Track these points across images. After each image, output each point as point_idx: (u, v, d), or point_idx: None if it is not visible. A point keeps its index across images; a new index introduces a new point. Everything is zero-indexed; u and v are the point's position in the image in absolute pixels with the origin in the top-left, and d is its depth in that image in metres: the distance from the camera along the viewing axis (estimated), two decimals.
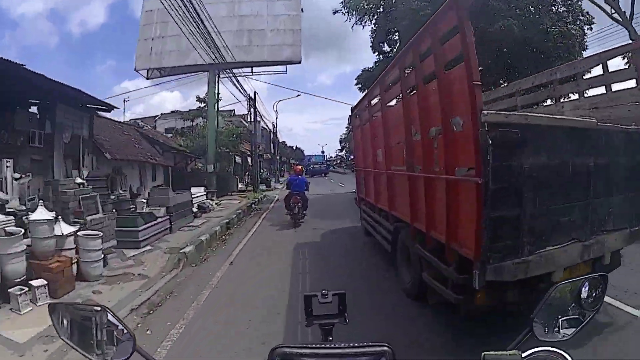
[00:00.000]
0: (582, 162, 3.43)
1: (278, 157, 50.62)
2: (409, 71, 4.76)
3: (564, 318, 1.09)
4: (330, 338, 1.24)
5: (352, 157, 60.70)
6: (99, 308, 1.09)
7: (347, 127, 64.88)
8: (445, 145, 3.57)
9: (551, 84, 5.66)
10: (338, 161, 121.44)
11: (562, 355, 0.97)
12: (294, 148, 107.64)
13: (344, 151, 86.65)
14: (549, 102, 6.09)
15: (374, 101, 6.79)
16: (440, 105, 3.60)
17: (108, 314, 1.08)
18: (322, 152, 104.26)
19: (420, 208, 4.36)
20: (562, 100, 5.63)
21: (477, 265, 3.02)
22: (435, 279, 3.95)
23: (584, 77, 5.35)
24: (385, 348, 0.88)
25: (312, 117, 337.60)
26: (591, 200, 3.50)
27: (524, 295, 3.34)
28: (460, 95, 3.20)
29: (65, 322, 1.11)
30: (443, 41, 3.57)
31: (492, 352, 0.89)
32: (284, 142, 63.12)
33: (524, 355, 0.93)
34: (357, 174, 9.19)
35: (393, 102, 5.93)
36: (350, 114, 9.62)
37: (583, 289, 1.12)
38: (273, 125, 42.57)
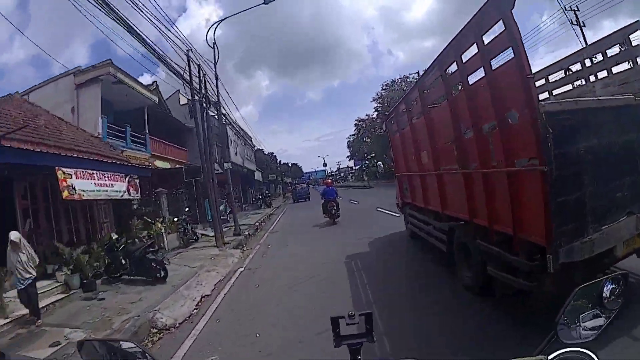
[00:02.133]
0: (626, 137, 3.70)
1: (258, 173, 44.80)
2: (451, 71, 5.08)
3: (588, 319, 1.14)
4: (359, 357, 1.30)
5: (363, 164, 63.32)
6: (126, 342, 1.17)
7: (354, 131, 67.08)
8: (502, 139, 3.88)
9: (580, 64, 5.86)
10: (342, 175, 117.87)
11: (588, 354, 1.02)
12: (290, 165, 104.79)
13: (352, 160, 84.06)
14: (578, 83, 6.20)
15: (413, 104, 7.12)
16: (492, 101, 3.91)
17: (136, 347, 1.15)
18: (324, 164, 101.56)
19: (479, 204, 4.64)
20: (591, 79, 5.81)
21: (550, 249, 3.30)
22: (502, 270, 4.21)
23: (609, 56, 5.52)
24: None
25: (306, 134, 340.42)
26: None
27: (589, 275, 3.59)
28: (515, 89, 3.51)
29: (95, 357, 1.17)
30: (488, 39, 3.91)
31: (518, 359, 0.95)
32: (276, 158, 64.33)
33: (549, 358, 0.99)
34: (399, 179, 9.49)
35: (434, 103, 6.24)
36: (385, 120, 10.02)
37: (605, 288, 1.16)
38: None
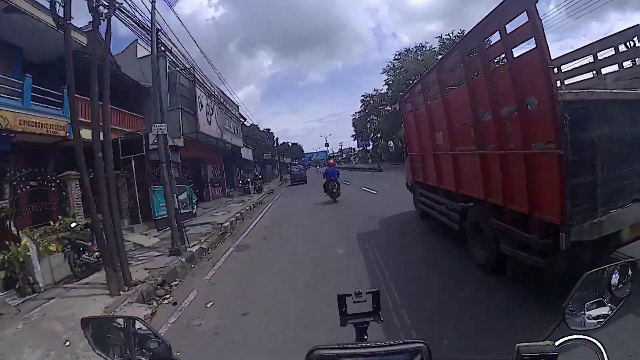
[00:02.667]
0: (636, 129, 4.02)
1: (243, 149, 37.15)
2: (471, 56, 5.35)
3: (595, 306, 1.15)
4: (366, 337, 1.30)
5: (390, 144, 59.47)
6: (132, 320, 1.16)
7: (360, 107, 62.92)
8: (520, 124, 4.19)
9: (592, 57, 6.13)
10: (344, 156, 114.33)
11: (594, 343, 1.04)
12: (290, 145, 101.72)
13: (356, 140, 79.26)
14: (589, 75, 6.46)
15: (431, 86, 7.39)
16: (512, 87, 4.20)
17: (142, 325, 1.15)
18: (327, 145, 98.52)
19: (495, 184, 4.98)
20: (602, 72, 6.08)
21: (563, 228, 3.66)
22: (515, 248, 4.57)
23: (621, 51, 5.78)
24: (421, 345, 0.94)
25: (309, 115, 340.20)
26: None
27: (596, 256, 3.98)
28: (535, 77, 3.81)
29: (99, 335, 1.18)
30: (511, 28, 4.18)
31: (525, 344, 0.96)
32: (273, 135, 56.58)
33: (557, 344, 0.99)
34: (411, 159, 9.81)
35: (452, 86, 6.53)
36: (400, 99, 10.29)
37: (613, 276, 1.17)
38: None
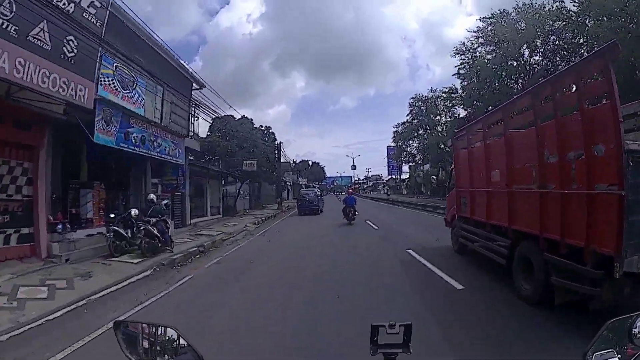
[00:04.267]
0: None
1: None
2: (544, 102, 6.27)
3: (617, 354, 1.21)
4: None
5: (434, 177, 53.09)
6: (168, 328, 1.20)
7: (407, 116, 54.24)
8: (587, 167, 5.04)
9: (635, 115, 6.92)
10: (371, 184, 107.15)
11: None
12: (310, 164, 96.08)
13: (388, 167, 75.93)
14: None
15: (492, 126, 8.32)
16: (582, 133, 5.08)
17: (176, 333, 1.18)
18: (354, 167, 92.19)
19: (553, 220, 5.79)
20: None
21: (617, 259, 4.47)
22: (567, 279, 5.35)
23: None
24: None
25: (336, 140, 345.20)
26: None
27: (635, 291, 4.76)
28: (606, 128, 4.70)
29: (131, 339, 1.22)
30: (588, 82, 5.11)
31: None
32: (273, 135, 37.89)
33: None
34: (458, 194, 10.65)
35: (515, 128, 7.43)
36: (453, 137, 11.29)
37: (636, 323, 1.24)
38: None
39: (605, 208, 4.75)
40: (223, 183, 31.79)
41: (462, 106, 36.16)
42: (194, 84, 20.67)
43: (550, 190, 5.91)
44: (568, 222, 5.47)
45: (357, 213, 21.82)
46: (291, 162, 65.34)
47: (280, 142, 39.42)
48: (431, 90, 50.33)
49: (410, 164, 59.85)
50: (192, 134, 20.90)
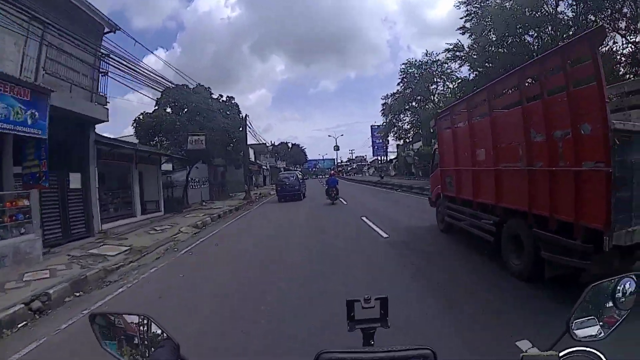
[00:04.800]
0: None
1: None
2: (529, 83, 6.54)
3: (600, 318, 1.23)
4: (372, 342, 1.38)
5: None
6: (142, 317, 1.21)
7: (398, 85, 46.51)
8: (573, 145, 5.33)
9: (620, 95, 7.34)
10: (355, 166, 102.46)
11: (598, 355, 1.13)
12: (290, 146, 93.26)
13: (373, 147, 69.83)
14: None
15: (477, 106, 8.59)
16: (569, 113, 5.36)
17: (152, 322, 1.20)
18: (337, 148, 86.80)
19: (541, 197, 6.10)
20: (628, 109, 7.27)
21: (607, 233, 4.78)
22: (557, 254, 5.67)
23: None
24: (428, 351, 1.02)
25: (317, 124, 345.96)
26: None
27: (623, 264, 5.12)
28: (592, 108, 4.97)
29: (107, 331, 1.22)
30: (574, 64, 5.37)
31: (529, 354, 1.05)
32: (237, 107, 30.63)
33: (561, 354, 1.08)
34: (443, 174, 10.97)
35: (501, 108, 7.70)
36: (436, 117, 11.59)
37: (618, 287, 1.25)
38: None
39: (594, 185, 5.05)
40: (173, 169, 28.08)
41: (469, 67, 29.47)
42: (105, 28, 15.05)
43: (538, 168, 6.21)
44: (557, 198, 5.78)
45: (338, 193, 24.16)
46: (268, 144, 62.59)
47: (247, 115, 32.12)
48: (426, 53, 43.10)
49: (400, 141, 53.41)
50: (101, 95, 14.72)
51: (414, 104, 45.54)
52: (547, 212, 5.95)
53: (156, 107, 25.04)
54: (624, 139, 4.87)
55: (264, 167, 62.10)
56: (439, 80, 43.40)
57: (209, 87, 28.42)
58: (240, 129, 30.72)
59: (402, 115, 47.70)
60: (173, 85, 23.45)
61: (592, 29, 4.99)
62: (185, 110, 25.49)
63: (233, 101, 31.28)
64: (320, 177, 61.41)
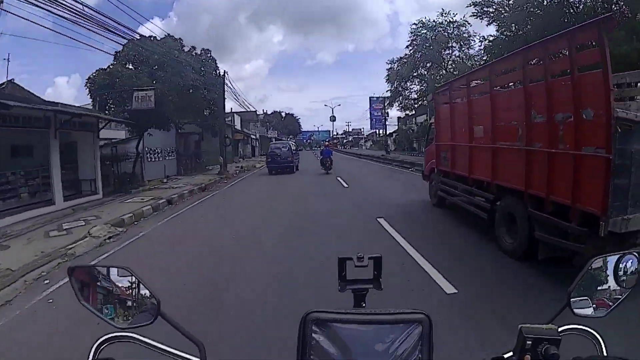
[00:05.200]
0: None
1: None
2: (533, 64, 6.58)
3: (600, 294, 1.21)
4: (364, 304, 1.33)
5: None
6: (123, 270, 1.18)
7: (407, 47, 40.80)
8: (574, 129, 5.44)
9: (620, 85, 7.42)
10: (350, 139, 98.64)
11: (595, 336, 1.15)
12: (283, 115, 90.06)
13: (371, 120, 65.62)
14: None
15: (478, 83, 8.64)
16: (572, 97, 5.44)
17: (132, 276, 1.17)
18: (333, 119, 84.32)
19: (539, 177, 6.25)
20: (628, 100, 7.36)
21: (603, 218, 4.96)
22: (553, 235, 5.86)
23: None
24: (422, 316, 1.00)
25: (314, 95, 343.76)
26: None
27: (615, 249, 5.31)
28: (596, 94, 5.06)
29: (85, 285, 1.20)
30: (579, 49, 5.42)
31: (529, 325, 1.03)
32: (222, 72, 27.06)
33: (560, 330, 1.07)
34: (438, 149, 11.09)
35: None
36: (434, 92, 11.62)
37: (620, 264, 1.22)
38: None
39: (593, 170, 5.18)
40: (127, 138, 23.44)
41: (497, 28, 24.78)
42: None
43: (537, 149, 6.32)
44: (554, 180, 5.92)
45: (332, 163, 25.71)
46: (260, 112, 60.19)
47: (226, 73, 27.31)
48: (442, 13, 37.82)
49: (405, 112, 48.62)
50: None
51: (423, 71, 40.94)
52: (544, 193, 6.10)
53: (114, 62, 20.72)
54: (625, 127, 4.99)
55: (252, 136, 59.09)
56: (454, 44, 38.93)
57: (180, 39, 23.99)
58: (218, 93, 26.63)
59: (409, 83, 43.12)
60: (137, 38, 20.16)
61: (602, 16, 5.01)
62: (151, 66, 21.18)
63: (209, 55, 26.14)
64: (315, 148, 57.05)
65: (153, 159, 24.06)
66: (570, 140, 5.56)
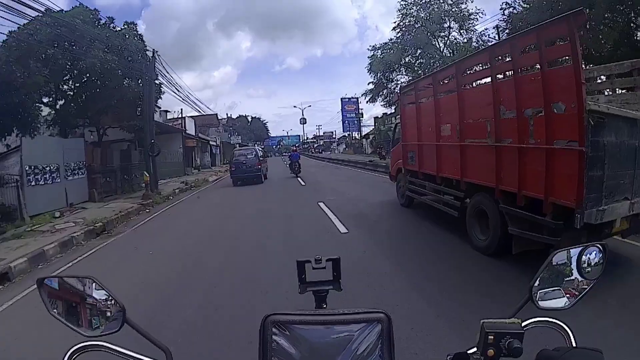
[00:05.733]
0: (631, 142, 5.53)
1: None
2: (500, 60, 6.67)
3: (564, 286, 1.22)
4: (324, 305, 1.36)
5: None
6: (87, 279, 1.21)
7: (367, 70, 38.09)
8: (545, 123, 5.52)
9: (589, 80, 7.69)
10: (321, 142, 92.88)
11: (561, 325, 1.16)
12: (249, 120, 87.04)
13: (344, 123, 62.24)
14: None
15: (444, 82, 8.72)
16: (543, 92, 5.51)
17: (96, 284, 1.20)
18: (303, 121, 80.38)
19: (510, 173, 6.31)
20: (596, 94, 7.64)
21: (579, 211, 5.03)
22: (527, 230, 5.93)
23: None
24: (381, 315, 1.01)
25: (282, 101, 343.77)
26: (636, 171, 5.62)
27: (590, 240, 5.44)
28: (567, 88, 5.13)
29: (53, 296, 1.22)
30: (549, 44, 5.51)
31: (491, 320, 1.04)
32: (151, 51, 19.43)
33: (523, 324, 1.08)
34: (405, 149, 11.14)
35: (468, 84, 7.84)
36: (400, 91, 11.67)
37: (583, 257, 1.23)
38: None
39: (567, 163, 5.26)
40: (8, 150, 15.77)
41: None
42: None
43: (507, 145, 6.40)
44: (526, 175, 5.99)
45: (301, 167, 26.78)
46: (222, 117, 56.49)
47: (156, 53, 20.72)
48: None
49: (390, 109, 41.94)
50: None
51: (410, 59, 35.70)
52: (516, 188, 6.16)
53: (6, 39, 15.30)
54: (597, 120, 5.08)
55: (212, 142, 53.22)
56: (453, 24, 33.80)
57: (95, 9, 18.67)
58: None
59: (395, 74, 37.21)
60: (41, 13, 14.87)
61: (572, 11, 5.10)
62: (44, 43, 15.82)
63: (135, 31, 20.58)
64: (285, 154, 49.67)
65: (42, 181, 14.88)
66: (541, 134, 5.62)
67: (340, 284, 1.38)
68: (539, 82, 5.61)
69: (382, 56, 36.87)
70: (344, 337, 1.00)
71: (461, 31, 33.64)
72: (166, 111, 44.18)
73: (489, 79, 6.97)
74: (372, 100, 41.89)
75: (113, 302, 1.19)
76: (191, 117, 45.27)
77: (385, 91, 38.58)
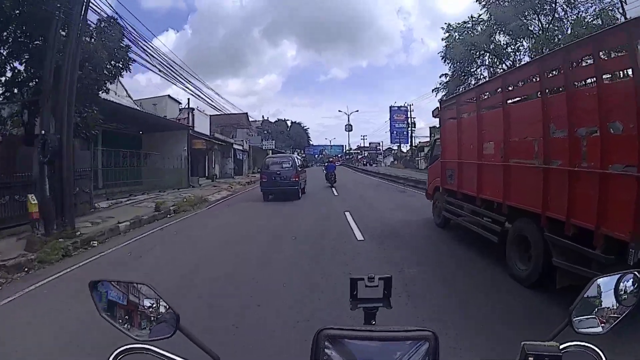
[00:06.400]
0: None
1: None
2: (552, 74, 6.15)
3: (602, 312, 1.25)
4: (374, 322, 1.40)
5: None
6: (143, 285, 1.24)
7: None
8: (600, 145, 4.97)
9: None
10: (366, 154, 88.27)
11: (596, 351, 1.16)
12: (289, 125, 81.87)
13: (392, 133, 57.13)
14: None
15: (488, 96, 8.21)
16: (598, 109, 4.97)
17: (152, 291, 1.22)
18: (349, 127, 76.29)
19: (558, 198, 5.76)
20: None
21: (634, 245, 4.44)
22: (572, 262, 5.35)
23: None
24: (429, 333, 1.03)
25: (327, 111, 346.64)
26: None
27: None
28: (625, 105, 4.59)
29: (106, 299, 1.25)
30: (606, 55, 4.98)
31: (531, 342, 1.06)
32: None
33: (561, 347, 1.09)
34: (444, 166, 10.64)
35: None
36: (440, 105, 11.21)
37: (621, 284, 1.26)
38: None
39: (622, 190, 4.71)
40: None
41: None
42: None
43: (556, 167, 5.85)
44: (576, 201, 5.43)
45: (336, 177, 28.83)
46: (256, 120, 51.01)
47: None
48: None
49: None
50: None
51: (502, 37, 27.15)
52: (564, 215, 5.60)
53: None
54: None
55: (237, 146, 44.34)
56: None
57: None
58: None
59: (475, 66, 29.42)
60: None
61: (632, 18, 4.58)
62: None
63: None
64: (323, 165, 43.26)
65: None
66: (595, 157, 5.08)
67: (390, 301, 1.42)
68: (594, 98, 5.08)
69: (462, 38, 28.19)
70: (393, 353, 1.03)
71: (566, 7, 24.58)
72: (177, 101, 36.57)
73: (537, 94, 6.45)
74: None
75: (167, 308, 1.22)
76: (213, 115, 38.59)
77: (461, 88, 26.65)
